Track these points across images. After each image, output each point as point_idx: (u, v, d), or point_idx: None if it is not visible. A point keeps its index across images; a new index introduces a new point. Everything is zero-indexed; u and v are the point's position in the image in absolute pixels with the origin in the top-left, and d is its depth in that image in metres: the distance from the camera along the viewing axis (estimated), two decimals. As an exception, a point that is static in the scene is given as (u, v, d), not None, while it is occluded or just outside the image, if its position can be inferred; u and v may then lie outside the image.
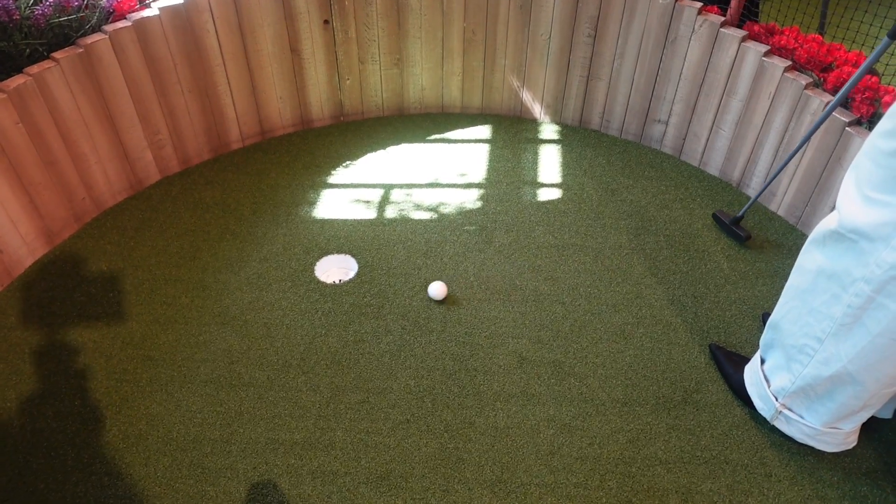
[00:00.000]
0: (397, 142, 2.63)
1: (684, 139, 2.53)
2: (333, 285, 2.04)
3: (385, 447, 1.63)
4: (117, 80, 2.09)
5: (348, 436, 1.65)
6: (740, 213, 2.19)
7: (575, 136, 2.69)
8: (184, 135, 2.37)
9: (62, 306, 1.95)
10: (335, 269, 2.12)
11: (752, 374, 1.72)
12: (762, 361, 1.68)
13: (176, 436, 1.65)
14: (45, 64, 1.91)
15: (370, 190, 2.40)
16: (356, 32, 2.50)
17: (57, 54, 1.94)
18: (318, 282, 2.05)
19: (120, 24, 2.04)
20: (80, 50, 1.96)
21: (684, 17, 2.28)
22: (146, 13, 2.07)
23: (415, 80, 2.69)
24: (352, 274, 2.09)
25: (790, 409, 1.61)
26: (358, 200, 2.35)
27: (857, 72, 1.75)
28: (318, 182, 2.42)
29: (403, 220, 2.27)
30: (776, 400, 1.62)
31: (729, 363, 1.80)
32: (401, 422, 1.68)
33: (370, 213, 2.29)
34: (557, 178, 2.47)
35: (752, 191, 2.38)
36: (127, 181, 2.29)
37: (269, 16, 2.32)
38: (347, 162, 2.52)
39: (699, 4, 2.27)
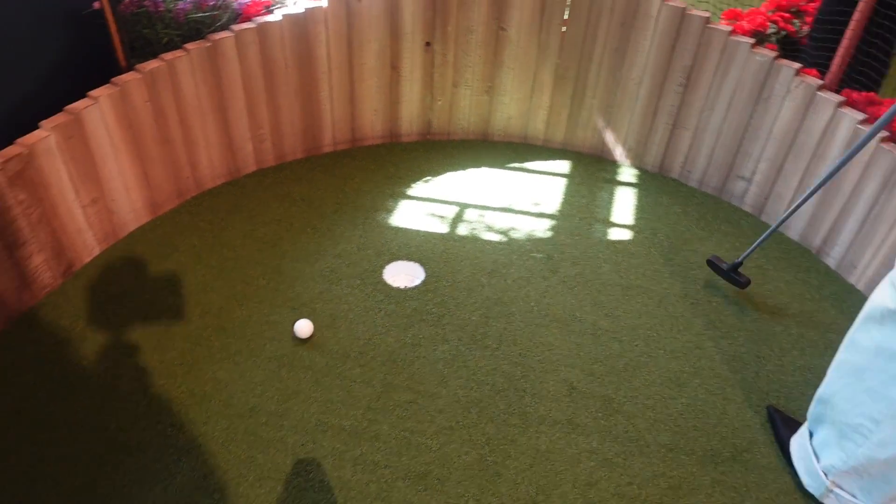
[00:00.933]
0: (477, 165, 2.73)
1: (766, 199, 2.50)
2: (399, 289, 2.13)
3: (427, 448, 1.68)
4: (235, 74, 2.29)
5: (393, 431, 1.72)
6: (740, 259, 2.13)
7: (653, 182, 2.71)
8: (283, 132, 2.55)
9: (155, 270, 2.13)
10: (403, 274, 2.21)
11: (799, 448, 1.67)
12: (810, 435, 1.64)
13: (236, 402, 1.76)
14: (178, 53, 2.13)
15: (446, 206, 2.49)
16: (454, 57, 2.64)
17: (189, 45, 2.15)
18: (385, 284, 2.15)
19: (245, 25, 2.24)
20: (209, 44, 2.17)
21: (781, 75, 2.28)
22: (270, 18, 2.27)
23: (502, 109, 2.79)
24: (417, 281, 2.17)
25: (841, 488, 1.55)
26: (433, 214, 2.45)
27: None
28: (397, 192, 2.54)
29: (473, 239, 2.35)
30: (826, 477, 1.57)
31: (786, 428, 1.76)
32: (445, 427, 1.74)
33: (443, 228, 2.39)
34: (630, 220, 2.50)
35: (832, 260, 2.33)
36: (226, 167, 2.48)
37: (377, 33, 2.48)
38: (428, 177, 2.63)
39: (798, 65, 2.27)
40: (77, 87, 1.99)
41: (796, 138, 2.33)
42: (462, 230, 2.39)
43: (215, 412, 1.73)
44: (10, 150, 1.80)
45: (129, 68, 2.09)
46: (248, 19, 2.28)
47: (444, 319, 2.04)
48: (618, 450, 1.71)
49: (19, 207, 1.85)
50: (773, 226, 2.03)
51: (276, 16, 2.29)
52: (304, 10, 2.31)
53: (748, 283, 2.13)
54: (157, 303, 2.03)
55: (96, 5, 1.98)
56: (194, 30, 2.18)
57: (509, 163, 2.77)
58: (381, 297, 2.10)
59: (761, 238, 2.05)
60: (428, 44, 2.58)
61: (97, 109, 1.97)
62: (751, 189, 2.54)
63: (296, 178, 2.57)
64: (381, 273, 2.19)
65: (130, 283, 2.08)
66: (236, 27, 2.23)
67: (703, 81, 2.46)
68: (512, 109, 2.78)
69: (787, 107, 2.31)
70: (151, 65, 2.08)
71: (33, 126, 1.88)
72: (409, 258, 2.25)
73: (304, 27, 2.35)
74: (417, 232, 2.36)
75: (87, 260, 2.14)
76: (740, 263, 2.14)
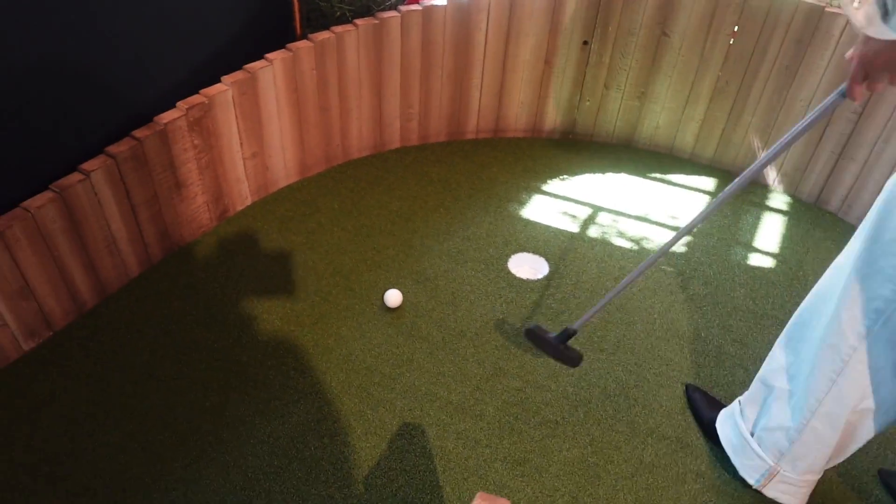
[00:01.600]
0: (617, 170, 2.67)
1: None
2: (521, 280, 2.14)
3: (529, 437, 1.68)
4: (395, 53, 2.39)
5: (498, 414, 1.73)
6: (575, 326, 1.71)
7: (806, 213, 2.52)
8: (430, 114, 2.64)
9: (297, 227, 2.28)
10: (527, 266, 2.21)
11: (731, 429, 1.64)
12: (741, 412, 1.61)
13: (354, 359, 1.85)
14: (348, 27, 2.26)
15: (579, 206, 2.47)
16: (610, 58, 2.59)
17: (358, 21, 2.28)
18: (509, 273, 2.16)
19: (412, 7, 2.34)
20: (377, 21, 2.28)
21: (978, 113, 2.05)
22: (436, 2, 2.35)
23: (652, 117, 2.71)
24: (540, 275, 2.17)
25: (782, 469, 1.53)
26: (565, 213, 2.43)
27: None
28: (532, 186, 2.54)
29: (603, 242, 2.31)
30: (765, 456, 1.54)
31: (709, 409, 1.76)
32: (549, 420, 1.72)
33: (573, 227, 2.36)
34: (774, 249, 2.34)
35: None
36: (373, 141, 2.60)
37: (536, 27, 2.50)
38: (565, 176, 2.61)
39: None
40: (256, 50, 2.17)
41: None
42: (593, 232, 2.35)
43: (334, 365, 1.83)
44: (195, 99, 2.00)
45: (303, 37, 2.24)
46: (416, 2, 2.38)
47: (562, 316, 2.03)
48: (728, 478, 1.62)
49: (193, 151, 2.05)
50: (612, 292, 1.67)
51: (441, 0, 2.37)
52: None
53: (580, 359, 1.73)
54: (294, 256, 2.17)
55: (284, -24, 2.16)
56: (365, 7, 2.30)
57: (651, 172, 2.69)
58: (503, 285, 2.12)
59: (603, 301, 1.67)
60: (585, 42, 2.55)
61: (271, 71, 2.14)
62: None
63: (436, 159, 2.65)
64: (506, 261, 2.21)
65: (274, 236, 2.24)
66: (404, 8, 2.33)
67: (881, 111, 2.26)
68: (662, 118, 2.70)
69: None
70: (323, 35, 2.22)
71: (216, 79, 2.08)
72: (535, 251, 2.25)
73: (467, 14, 2.41)
74: (547, 227, 2.35)
75: (240, 208, 2.33)
76: (574, 332, 1.71)
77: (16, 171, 1.71)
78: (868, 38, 1.11)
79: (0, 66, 1.58)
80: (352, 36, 2.27)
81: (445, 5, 2.36)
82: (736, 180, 1.46)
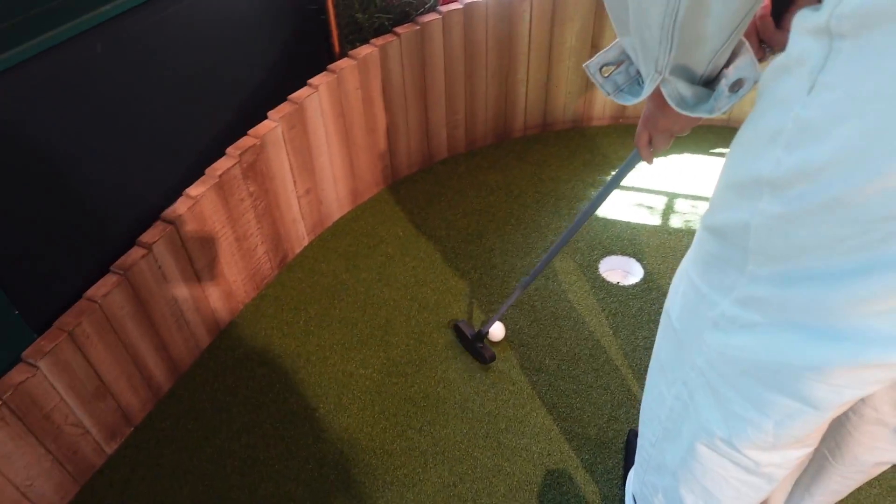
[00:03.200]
0: (679, 151, 2.51)
1: None
2: (618, 286, 1.98)
3: (683, 465, 1.54)
4: (438, 58, 2.19)
5: (644, 444, 1.58)
6: (484, 330, 1.75)
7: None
8: (476, 118, 2.45)
9: (364, 262, 2.09)
10: (619, 270, 2.06)
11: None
12: None
13: (472, 406, 1.68)
14: (388, 37, 2.05)
15: (652, 196, 2.31)
16: (658, 33, 2.43)
17: (398, 29, 2.07)
18: (603, 280, 2.01)
19: (453, 6, 2.14)
20: (418, 27, 2.08)
21: None
22: (476, -3, 2.15)
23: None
24: (635, 279, 2.02)
25: None
26: (640, 205, 2.27)
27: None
28: (598, 181, 2.38)
29: (689, 232, 2.16)
30: None
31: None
32: (699, 442, 1.58)
33: (654, 220, 2.21)
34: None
35: None
36: (421, 155, 2.41)
37: (582, 9, 2.31)
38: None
39: None
40: (297, 76, 1.96)
41: None
42: (675, 222, 2.20)
43: (453, 416, 1.66)
44: (245, 142, 1.79)
45: (343, 55, 2.03)
46: (453, 0, 2.18)
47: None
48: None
49: (250, 199, 1.84)
50: (518, 288, 1.63)
51: (481, -6, 2.17)
52: (510, -12, 2.17)
53: (492, 358, 1.75)
54: (372, 295, 1.98)
55: (317, -9, 1.94)
56: (404, 13, 2.09)
57: (713, 148, 2.53)
58: (601, 295, 1.96)
59: (508, 301, 1.68)
60: (633, 19, 2.38)
61: (317, 98, 1.93)
62: None
63: (489, 164, 2.46)
64: (596, 268, 2.05)
65: (344, 275, 2.05)
66: (444, 8, 2.13)
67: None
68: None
69: None
70: (364, 50, 2.01)
71: (260, 115, 1.87)
72: (623, 252, 2.09)
73: (509, 5, 2.22)
74: (627, 224, 2.19)
75: (299, 250, 2.13)
76: (486, 334, 1.76)
77: (73, 253, 1.50)
78: (648, 101, 0.99)
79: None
80: (394, 46, 2.06)
81: (486, 0, 2.16)
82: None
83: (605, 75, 0.99)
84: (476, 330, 1.80)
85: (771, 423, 0.81)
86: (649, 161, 1.12)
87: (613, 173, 1.30)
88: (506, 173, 2.42)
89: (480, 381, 1.74)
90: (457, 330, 1.86)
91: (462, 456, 1.58)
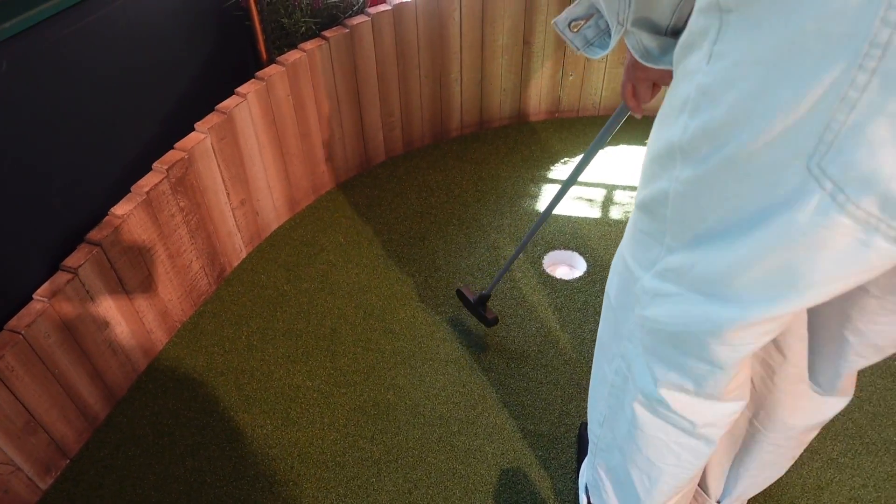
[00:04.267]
0: (615, 142, 2.56)
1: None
2: (564, 281, 2.01)
3: (633, 453, 1.56)
4: (370, 60, 2.16)
5: (595, 435, 1.60)
6: (487, 291, 1.76)
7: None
8: (412, 118, 2.43)
9: (306, 271, 2.05)
10: (564, 265, 2.08)
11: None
12: None
13: (423, 411, 1.67)
14: (317, 42, 2.01)
15: (591, 189, 2.34)
16: (587, 28, 2.46)
17: (327, 33, 2.03)
18: (548, 275, 2.02)
19: (381, 8, 2.11)
20: (346, 30, 2.05)
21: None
22: (405, -2, 2.14)
23: (635, 81, 2.61)
24: (579, 272, 2.04)
25: None
26: (580, 198, 2.30)
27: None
28: (537, 176, 2.40)
29: (627, 222, 2.20)
30: None
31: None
32: (647, 429, 1.61)
33: (594, 212, 2.24)
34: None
35: None
36: (358, 159, 2.38)
37: (511, 7, 2.32)
38: (565, 158, 2.48)
39: None
40: (224, 85, 1.90)
41: None
42: (615, 213, 2.24)
43: (404, 422, 1.65)
44: (172, 156, 1.72)
45: (271, 61, 1.98)
46: (383, 1, 2.15)
47: (617, 311, 1.91)
48: (841, 448, 1.57)
49: (181, 214, 1.77)
50: (517, 249, 1.66)
51: (410, -5, 2.15)
52: (439, -13, 2.17)
53: (495, 321, 1.76)
54: (316, 305, 1.94)
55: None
56: (330, 17, 2.06)
57: (647, 139, 2.59)
58: (547, 291, 1.97)
59: (508, 263, 1.70)
60: (562, 15, 2.40)
61: (246, 107, 1.88)
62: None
63: (428, 165, 2.45)
64: (541, 264, 2.06)
65: (285, 286, 2.00)
66: (372, 10, 2.10)
67: None
68: (647, 81, 2.60)
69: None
70: (293, 56, 1.97)
71: (188, 127, 1.80)
72: (566, 246, 2.12)
73: (439, 5, 2.21)
74: (568, 218, 2.22)
75: (237, 263, 2.07)
76: (488, 296, 1.77)
77: (-13, 287, 1.41)
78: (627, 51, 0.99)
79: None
80: (323, 51, 2.02)
81: (415, 0, 2.14)
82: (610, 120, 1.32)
83: (575, 30, 1.02)
84: (478, 294, 1.79)
85: (691, 383, 0.91)
86: (637, 111, 1.11)
87: (600, 132, 1.31)
88: (445, 173, 2.41)
89: (431, 384, 1.73)
90: (459, 295, 1.85)
91: (416, 462, 1.56)
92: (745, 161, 0.65)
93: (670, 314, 0.84)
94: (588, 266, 2.05)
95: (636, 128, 2.63)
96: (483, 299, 1.77)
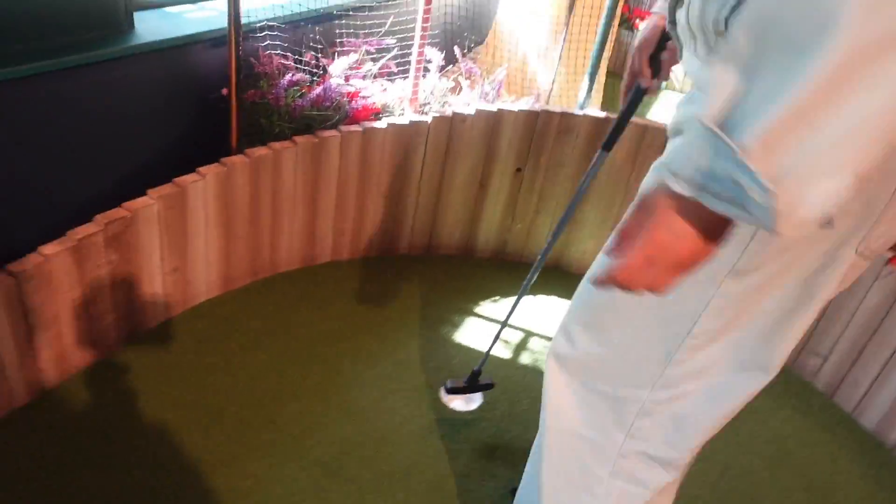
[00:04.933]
0: (548, 293, 2.70)
1: (841, 381, 2.39)
2: (454, 411, 2.06)
3: None
4: (333, 171, 2.37)
5: (431, 571, 1.60)
6: (478, 368, 1.94)
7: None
8: (364, 230, 2.60)
9: (215, 347, 2.12)
10: (460, 397, 2.15)
11: None
12: None
13: (274, 507, 1.69)
14: (286, 143, 2.22)
15: (512, 331, 2.46)
16: (541, 185, 2.69)
17: (297, 138, 2.25)
18: (441, 403, 2.09)
19: (353, 127, 2.35)
20: (316, 140, 2.26)
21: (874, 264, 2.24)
22: (377, 124, 2.37)
23: (580, 242, 2.80)
24: (474, 406, 2.10)
25: None
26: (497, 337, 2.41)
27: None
28: (465, 308, 2.52)
29: (535, 371, 2.29)
30: None
31: None
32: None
33: (505, 353, 2.34)
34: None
35: (910, 461, 2.18)
36: (303, 254, 2.52)
37: (473, 152, 2.56)
38: (497, 297, 2.62)
39: (891, 254, 2.23)
40: (190, 162, 2.08)
41: (881, 326, 2.25)
42: (525, 359, 2.33)
43: (252, 513, 1.66)
44: (116, 212, 1.87)
45: (239, 151, 2.18)
46: (356, 122, 2.39)
47: (496, 452, 1.95)
48: None
49: (108, 266, 1.89)
50: (496, 335, 1.92)
51: (382, 123, 2.39)
52: (409, 122, 2.41)
53: (491, 385, 1.98)
54: (211, 382, 2.00)
55: (224, 92, 2.11)
56: (305, 124, 2.28)
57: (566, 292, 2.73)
58: (435, 417, 2.03)
59: (492, 341, 1.92)
60: (519, 170, 2.64)
61: (202, 185, 2.05)
62: (825, 368, 2.44)
63: (368, 275, 2.59)
64: (437, 390, 2.13)
65: (189, 357, 2.07)
66: (344, 128, 2.33)
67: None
68: (589, 245, 2.79)
69: (875, 293, 2.25)
70: (260, 151, 2.17)
71: (139, 190, 1.96)
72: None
73: (406, 137, 2.44)
74: (479, 353, 2.31)
75: (153, 325, 2.15)
76: (479, 371, 1.95)
77: None
78: (673, 212, 0.67)
79: None
80: (290, 152, 2.23)
81: (385, 127, 2.38)
82: (535, 264, 1.64)
83: None
84: (469, 375, 1.95)
85: None
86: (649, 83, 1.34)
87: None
88: (381, 286, 2.55)
89: (290, 482, 1.75)
90: (451, 391, 1.94)
91: (247, 557, 1.56)
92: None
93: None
94: (483, 402, 2.12)
95: (572, 284, 2.77)
96: (475, 375, 1.95)
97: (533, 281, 1.61)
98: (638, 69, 1.30)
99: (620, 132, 1.49)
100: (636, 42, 1.29)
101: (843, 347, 2.38)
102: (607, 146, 1.53)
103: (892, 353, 2.23)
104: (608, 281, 0.73)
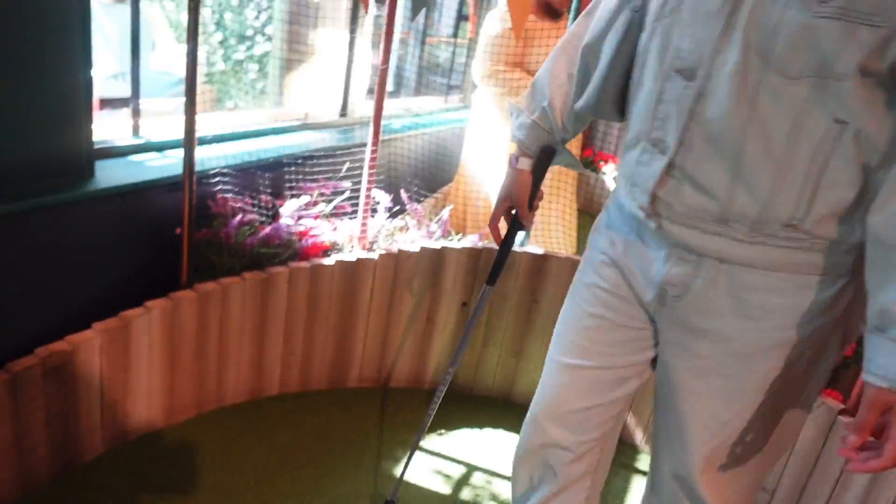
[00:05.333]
0: (496, 425, 2.71)
1: (791, 518, 2.35)
2: (387, 551, 2.01)
3: None
4: (281, 305, 2.47)
5: None
6: (391, 497, 2.01)
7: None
8: (312, 362, 2.66)
9: (151, 482, 2.10)
10: (395, 534, 2.10)
11: None
12: None
13: None
14: (234, 279, 2.34)
15: (455, 465, 2.44)
16: (487, 318, 2.79)
17: (246, 274, 2.37)
18: (375, 542, 2.04)
19: (301, 264, 2.48)
20: (265, 276, 2.39)
21: (802, 395, 2.29)
22: (324, 261, 2.51)
23: (529, 374, 2.85)
24: (407, 543, 2.06)
25: None
26: (439, 472, 2.39)
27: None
28: (409, 441, 2.52)
29: (476, 507, 2.26)
30: None
31: None
32: None
33: (446, 488, 2.31)
34: (644, 516, 2.36)
35: None
36: (250, 387, 2.56)
37: (419, 287, 2.69)
38: (443, 430, 2.62)
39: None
40: (141, 297, 2.18)
41: (818, 461, 2.26)
42: (465, 494, 2.30)
43: None
44: (57, 346, 1.94)
45: (189, 286, 2.29)
46: (305, 258, 2.53)
47: None
48: None
49: (44, 399, 1.92)
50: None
51: (330, 259, 2.53)
52: (355, 259, 2.55)
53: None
54: (139, 519, 1.96)
55: (178, 231, 2.26)
56: (255, 260, 2.41)
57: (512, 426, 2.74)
58: (365, 557, 1.98)
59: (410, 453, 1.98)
60: (464, 304, 2.75)
61: (147, 319, 2.13)
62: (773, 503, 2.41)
63: (314, 408, 2.60)
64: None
65: (121, 494, 2.04)
66: (293, 264, 2.47)
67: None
68: (537, 376, 2.82)
69: (809, 427, 2.28)
70: (208, 286, 2.28)
71: (86, 323, 2.04)
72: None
73: (354, 273, 2.57)
74: (419, 488, 2.29)
75: (88, 459, 2.14)
76: (392, 502, 2.01)
77: None
78: None
79: None
80: (238, 287, 2.34)
81: (333, 264, 2.52)
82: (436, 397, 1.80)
83: None
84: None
85: None
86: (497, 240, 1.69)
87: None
88: (327, 419, 2.56)
89: None
90: None
91: None
92: None
93: None
94: (418, 542, 2.07)
95: (520, 418, 2.79)
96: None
97: (437, 405, 1.81)
98: (523, 214, 1.50)
99: (501, 267, 1.67)
100: (505, 193, 1.54)
101: (787, 483, 2.37)
102: (490, 281, 1.70)
103: (833, 489, 2.22)
104: (883, 469, 1.01)
